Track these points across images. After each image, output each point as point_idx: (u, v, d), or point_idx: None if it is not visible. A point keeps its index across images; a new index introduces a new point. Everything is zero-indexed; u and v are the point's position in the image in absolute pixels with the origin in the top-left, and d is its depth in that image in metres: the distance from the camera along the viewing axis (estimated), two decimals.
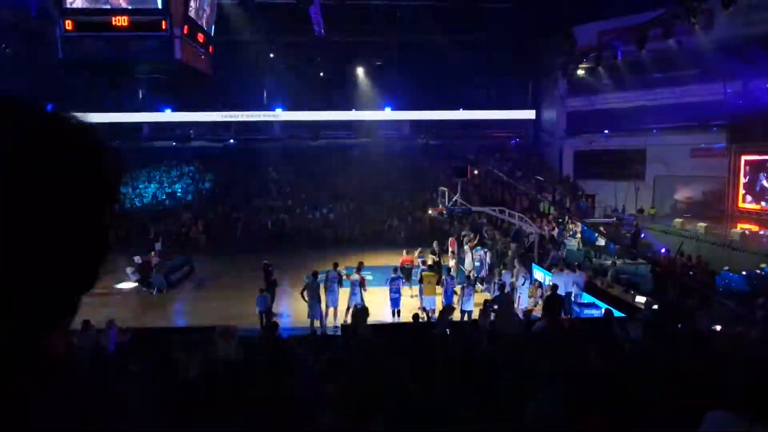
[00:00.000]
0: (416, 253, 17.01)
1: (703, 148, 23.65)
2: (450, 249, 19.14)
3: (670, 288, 13.51)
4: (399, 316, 13.53)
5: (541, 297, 13.58)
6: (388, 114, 32.85)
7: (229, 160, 31.47)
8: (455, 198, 19.46)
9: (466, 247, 17.42)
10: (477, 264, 16.47)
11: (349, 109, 32.64)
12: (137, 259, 17.53)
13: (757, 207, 21.35)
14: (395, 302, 13.61)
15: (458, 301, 13.33)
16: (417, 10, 28.17)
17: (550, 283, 13.51)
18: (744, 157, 21.94)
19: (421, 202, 27.08)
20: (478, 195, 26.83)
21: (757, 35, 20.18)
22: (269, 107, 32.46)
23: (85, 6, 10.52)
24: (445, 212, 20.54)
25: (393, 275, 13.84)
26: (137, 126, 32.48)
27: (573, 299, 13.55)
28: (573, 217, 22.60)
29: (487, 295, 14.16)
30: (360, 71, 32.29)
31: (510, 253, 17.20)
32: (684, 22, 19.77)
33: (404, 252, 16.84)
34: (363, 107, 32.35)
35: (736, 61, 20.62)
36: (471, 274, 15.94)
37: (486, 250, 17.42)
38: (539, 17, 27.25)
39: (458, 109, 32.58)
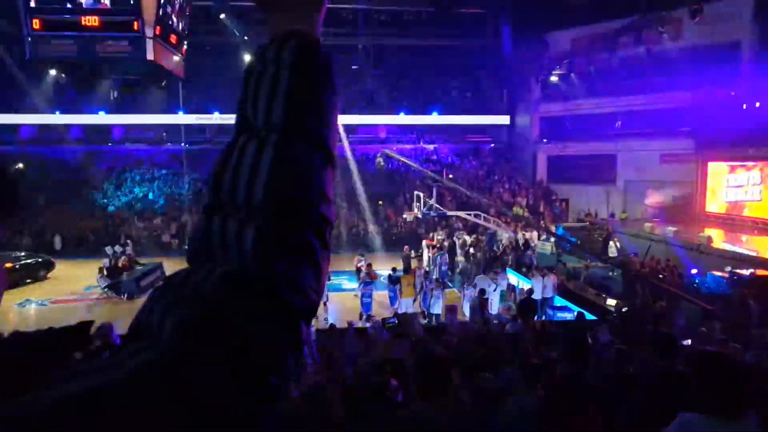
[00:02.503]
0: (355, 260, 16.32)
1: (673, 153, 24.19)
2: (427, 245, 19.16)
3: (639, 290, 13.72)
4: (370, 321, 13.46)
5: (514, 301, 13.67)
6: (363, 118, 32.72)
7: (204, 164, 30.91)
8: (431, 202, 19.52)
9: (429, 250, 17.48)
10: (444, 268, 16.49)
11: None
12: (105, 262, 17.11)
13: (723, 211, 21.91)
14: (367, 307, 13.56)
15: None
16: (393, 14, 28.23)
17: (524, 287, 13.62)
18: (710, 163, 22.49)
19: (396, 206, 27.09)
20: (455, 199, 26.96)
21: (723, 44, 20.76)
22: None
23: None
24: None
25: (367, 280, 13.79)
26: (107, 128, 31.69)
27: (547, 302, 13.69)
28: (546, 222, 22.87)
29: (456, 300, 14.30)
30: None
31: (480, 256, 17.28)
32: (654, 30, 20.24)
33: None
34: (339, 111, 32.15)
35: (703, 69, 21.18)
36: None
37: (445, 253, 17.42)
38: (514, 23, 27.57)
39: (434, 113, 32.67)
